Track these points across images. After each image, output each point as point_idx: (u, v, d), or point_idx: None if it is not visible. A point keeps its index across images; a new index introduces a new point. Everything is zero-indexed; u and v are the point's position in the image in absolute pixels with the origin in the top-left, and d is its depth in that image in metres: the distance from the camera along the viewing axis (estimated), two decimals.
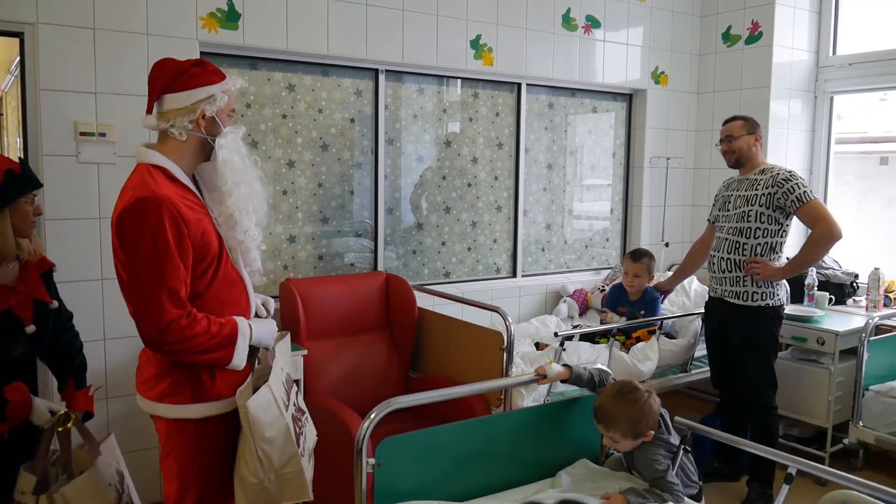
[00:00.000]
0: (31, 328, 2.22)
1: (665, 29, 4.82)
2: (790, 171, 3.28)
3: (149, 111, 2.02)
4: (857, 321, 3.89)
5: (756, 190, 3.30)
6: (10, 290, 2.20)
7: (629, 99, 4.89)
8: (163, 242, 1.85)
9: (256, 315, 2.21)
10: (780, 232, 3.30)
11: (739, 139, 3.40)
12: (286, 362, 2.22)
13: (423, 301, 3.63)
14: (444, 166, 4.17)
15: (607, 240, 4.95)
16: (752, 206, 3.29)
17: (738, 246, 3.34)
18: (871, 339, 3.66)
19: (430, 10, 3.83)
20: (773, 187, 3.24)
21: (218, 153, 2.03)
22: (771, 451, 2.27)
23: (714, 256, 3.46)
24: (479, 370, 3.13)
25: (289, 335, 2.27)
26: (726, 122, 3.49)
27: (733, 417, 3.56)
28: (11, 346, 2.22)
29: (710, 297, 3.57)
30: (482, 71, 4.09)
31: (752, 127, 3.42)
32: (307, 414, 2.26)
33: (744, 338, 3.38)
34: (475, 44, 4.01)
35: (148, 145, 2.02)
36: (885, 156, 4.83)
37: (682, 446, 2.45)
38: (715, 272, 3.46)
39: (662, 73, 4.83)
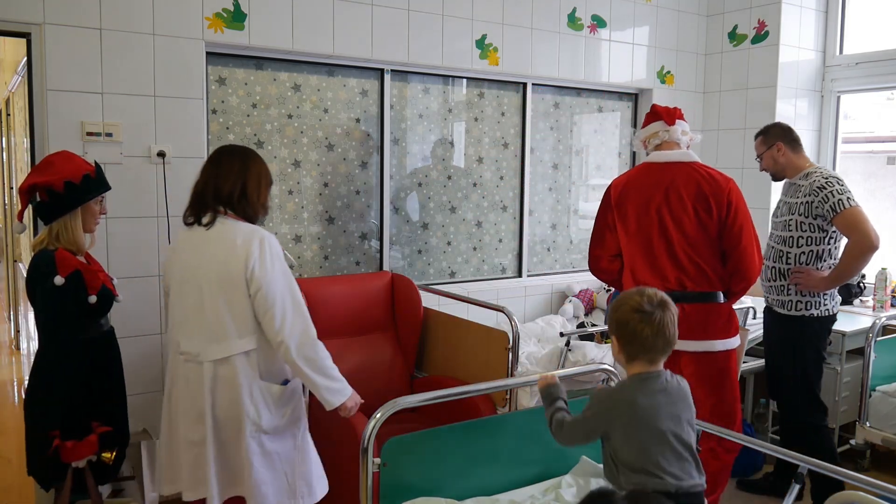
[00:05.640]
0: (119, 298, 2.57)
1: (671, 28, 4.81)
2: (826, 178, 3.09)
3: (670, 124, 3.02)
4: (864, 321, 3.88)
5: (797, 197, 3.17)
6: (94, 270, 2.48)
7: (635, 98, 4.88)
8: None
9: None
10: (827, 239, 3.13)
11: (763, 157, 3.30)
12: None
13: (428, 301, 3.63)
14: (449, 166, 4.17)
15: None
16: (793, 214, 3.17)
17: (782, 255, 3.22)
18: (878, 339, 3.64)
19: (436, 10, 3.83)
20: (810, 195, 3.10)
21: None
22: (782, 450, 2.26)
23: (765, 265, 3.30)
24: (484, 370, 3.13)
25: None
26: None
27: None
28: (104, 321, 2.55)
29: (765, 305, 3.45)
30: (488, 71, 4.09)
31: (770, 139, 3.28)
32: None
33: (782, 349, 3.27)
34: (480, 43, 4.00)
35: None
36: (892, 155, 4.81)
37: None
38: (764, 281, 3.33)
39: (668, 72, 4.82)
